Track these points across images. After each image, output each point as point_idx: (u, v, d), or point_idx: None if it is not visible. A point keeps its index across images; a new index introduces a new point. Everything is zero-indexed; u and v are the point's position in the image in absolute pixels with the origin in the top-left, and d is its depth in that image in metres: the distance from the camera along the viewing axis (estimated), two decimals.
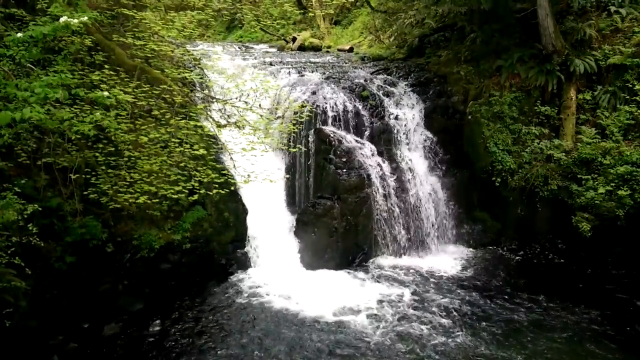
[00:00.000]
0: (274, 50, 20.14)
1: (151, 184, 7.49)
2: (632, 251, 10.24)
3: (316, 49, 20.54)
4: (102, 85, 6.92)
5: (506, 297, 9.52)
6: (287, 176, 11.22)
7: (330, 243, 10.57)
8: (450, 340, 8.02)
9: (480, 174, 11.84)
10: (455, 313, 8.85)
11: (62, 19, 4.53)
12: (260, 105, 8.43)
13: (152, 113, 7.93)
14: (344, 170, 10.80)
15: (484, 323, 8.55)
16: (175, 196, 7.55)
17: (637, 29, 11.22)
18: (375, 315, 8.73)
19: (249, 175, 8.07)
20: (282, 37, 22.67)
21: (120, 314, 8.55)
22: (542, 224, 11.50)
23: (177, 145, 7.74)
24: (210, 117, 8.58)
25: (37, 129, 7.41)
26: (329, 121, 11.48)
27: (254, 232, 10.57)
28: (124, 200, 7.48)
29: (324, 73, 13.27)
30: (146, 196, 7.32)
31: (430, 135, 12.20)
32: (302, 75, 12.94)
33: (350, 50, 18.71)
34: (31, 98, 4.25)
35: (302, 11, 22.81)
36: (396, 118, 11.98)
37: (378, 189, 11.02)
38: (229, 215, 10.23)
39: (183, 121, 7.87)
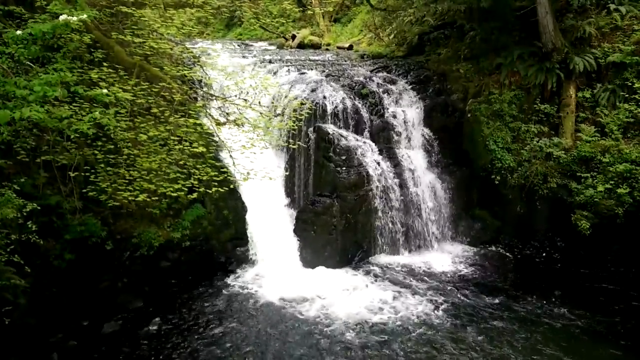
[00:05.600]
0: (273, 48, 20.10)
1: (150, 182, 7.50)
2: (631, 249, 10.26)
3: (316, 46, 20.51)
4: (101, 83, 6.92)
5: (504, 295, 9.52)
6: (287, 174, 11.21)
7: (329, 241, 10.57)
8: (447, 338, 8.04)
9: (480, 172, 11.85)
10: (453, 311, 8.87)
11: (61, 17, 4.53)
12: (259, 102, 8.43)
13: (151, 111, 7.93)
14: (344, 168, 10.80)
15: (482, 320, 8.57)
16: (175, 194, 7.56)
17: (636, 26, 11.21)
18: (375, 312, 8.75)
19: (248, 173, 8.07)
20: (282, 35, 22.63)
21: (119, 312, 8.56)
22: (541, 222, 11.51)
23: (176, 143, 7.75)
24: (210, 115, 8.57)
25: (36, 126, 7.40)
26: (329, 119, 11.47)
27: (254, 230, 10.58)
28: (123, 198, 7.50)
29: (324, 71, 13.24)
30: (145, 194, 7.34)
31: (430, 133, 12.20)
32: (301, 73, 12.91)
33: (350, 48, 18.68)
34: (30, 96, 4.25)
35: (301, 9, 22.85)
36: (395, 116, 11.96)
37: (377, 187, 11.01)
38: (228, 213, 10.24)
39: (182, 119, 7.88)
